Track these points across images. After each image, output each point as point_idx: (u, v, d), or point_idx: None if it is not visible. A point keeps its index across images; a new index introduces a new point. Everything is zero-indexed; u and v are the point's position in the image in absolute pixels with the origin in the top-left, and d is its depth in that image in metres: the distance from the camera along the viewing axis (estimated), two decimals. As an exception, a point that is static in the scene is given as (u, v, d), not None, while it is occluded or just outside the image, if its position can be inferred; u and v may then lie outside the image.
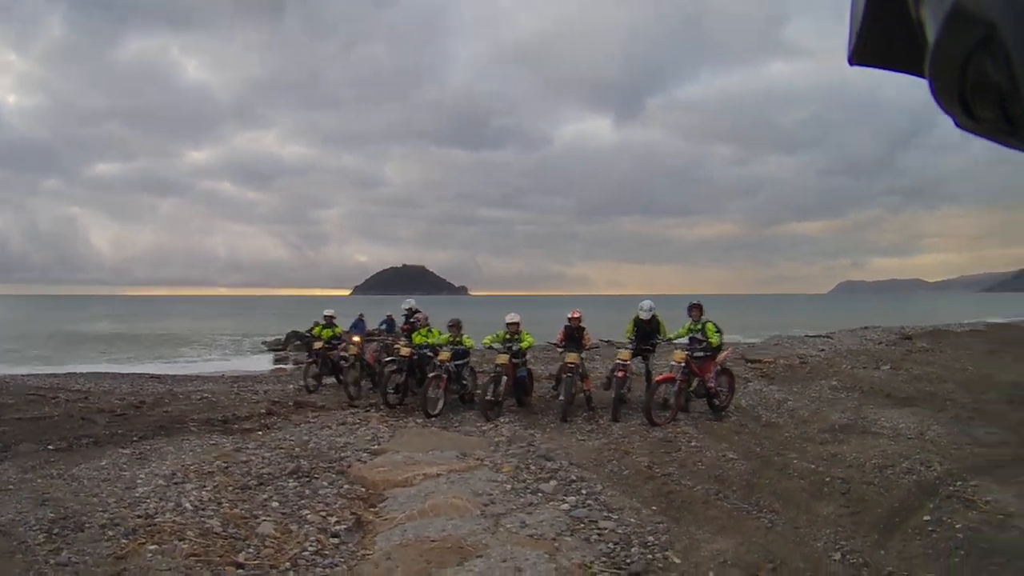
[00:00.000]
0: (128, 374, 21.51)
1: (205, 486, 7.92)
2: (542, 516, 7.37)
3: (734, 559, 6.51)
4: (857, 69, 0.86)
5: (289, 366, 26.86)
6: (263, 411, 13.03)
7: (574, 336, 13.17)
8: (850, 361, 18.97)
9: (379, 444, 10.36)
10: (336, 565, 6.26)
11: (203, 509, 7.24)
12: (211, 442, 10.26)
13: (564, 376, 12.75)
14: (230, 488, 7.99)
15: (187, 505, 7.29)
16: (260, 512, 7.36)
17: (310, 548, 6.58)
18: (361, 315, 20.06)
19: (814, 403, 13.45)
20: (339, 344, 16.43)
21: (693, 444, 10.45)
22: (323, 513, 7.49)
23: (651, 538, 6.88)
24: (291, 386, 17.24)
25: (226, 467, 8.75)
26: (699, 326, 12.47)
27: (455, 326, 13.68)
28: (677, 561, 6.45)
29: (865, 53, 0.82)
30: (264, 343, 39.60)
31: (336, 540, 6.84)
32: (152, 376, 20.87)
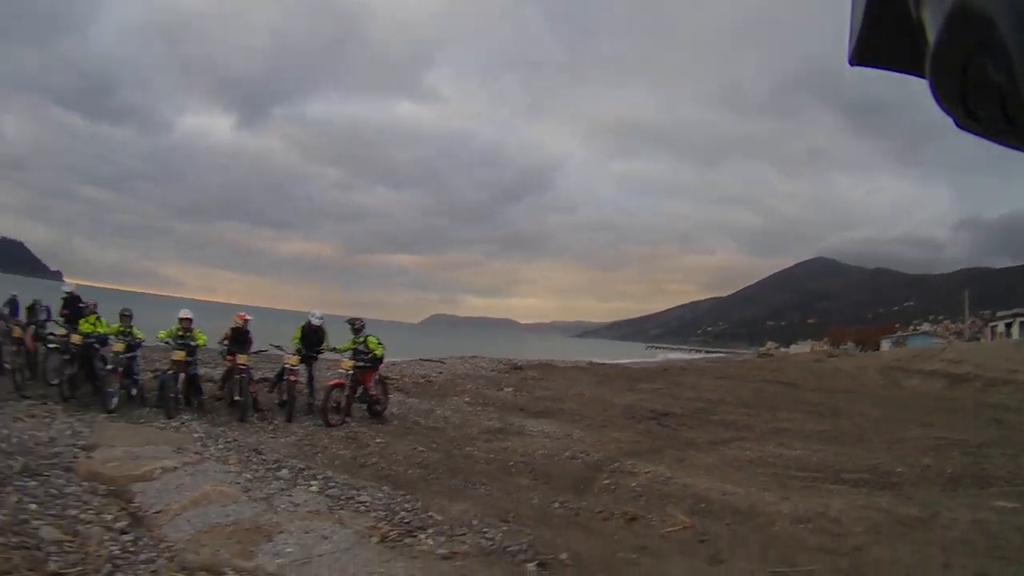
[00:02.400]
0: None
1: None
2: (303, 497, 8.25)
3: (481, 513, 8.12)
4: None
5: None
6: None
7: (239, 338, 13.91)
8: (472, 383, 21.83)
9: (83, 440, 9.97)
10: (154, 560, 6.22)
11: (-51, 520, 6.34)
12: None
13: (238, 377, 13.26)
14: (-39, 492, 7.13)
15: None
16: (24, 516, 6.77)
17: (113, 547, 6.40)
18: (15, 296, 18.40)
19: (459, 413, 15.72)
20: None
21: (379, 440, 12.05)
22: (92, 511, 7.23)
23: (407, 505, 8.17)
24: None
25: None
26: (361, 339, 14.06)
27: (128, 316, 13.51)
28: (440, 518, 7.80)
29: (865, 53, 0.83)
30: None
31: (128, 536, 6.67)
32: None
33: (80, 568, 5.92)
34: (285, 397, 13.47)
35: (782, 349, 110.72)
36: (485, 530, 7.40)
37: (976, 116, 0.69)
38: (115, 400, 12.48)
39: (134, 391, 13.24)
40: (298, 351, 14.11)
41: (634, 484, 9.98)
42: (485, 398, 18.72)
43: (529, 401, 18.87)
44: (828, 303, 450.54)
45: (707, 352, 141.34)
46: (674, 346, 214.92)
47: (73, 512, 7.15)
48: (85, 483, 8.07)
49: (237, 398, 13.19)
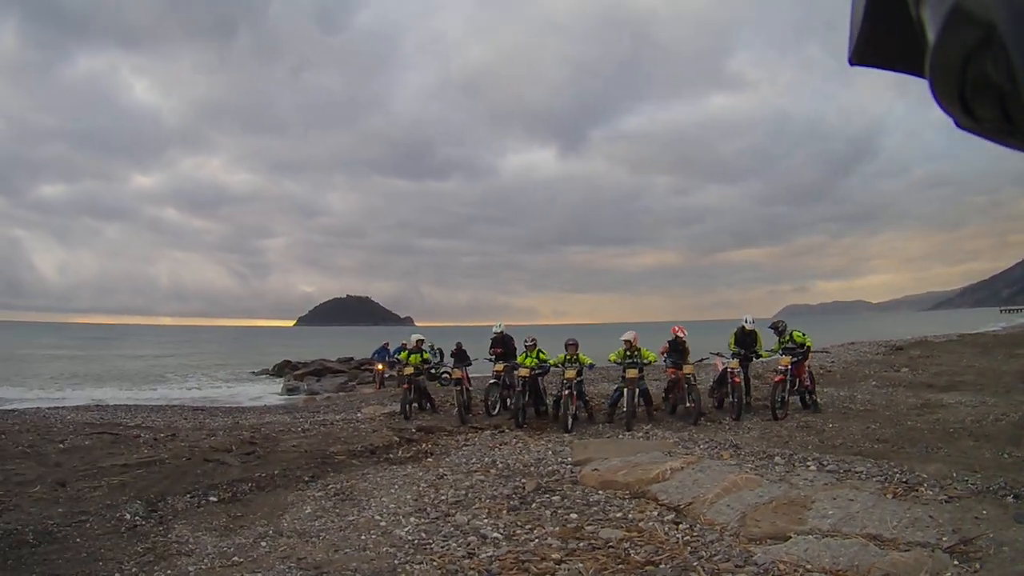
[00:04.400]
0: (155, 406, 20.33)
1: (477, 515, 7.94)
2: (810, 475, 9.06)
3: (954, 468, 9.02)
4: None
5: (317, 396, 25.45)
6: (396, 440, 12.59)
7: (678, 350, 14.75)
8: (868, 368, 22.54)
9: (568, 457, 10.81)
10: (721, 538, 6.97)
11: (513, 536, 7.27)
12: (402, 473, 10.07)
13: (687, 385, 14.13)
14: (504, 512, 8.05)
15: (495, 535, 7.27)
16: (572, 524, 7.59)
17: (676, 534, 7.14)
18: (386, 343, 21.02)
19: (876, 396, 16.17)
20: (426, 369, 16.91)
21: (831, 425, 12.85)
22: (634, 511, 7.97)
23: (896, 470, 9.01)
24: (359, 413, 16.81)
25: (464, 494, 8.82)
26: (786, 338, 14.61)
27: (573, 345, 14.43)
28: (924, 475, 8.66)
29: (865, 54, 0.83)
30: (252, 373, 38.49)
31: (684, 525, 7.43)
32: (194, 408, 19.79)
33: (666, 553, 6.55)
34: (732, 399, 14.14)
35: None
36: (966, 478, 8.43)
37: (976, 116, 0.68)
38: (571, 420, 13.47)
39: (581, 412, 14.30)
40: (735, 354, 14.69)
41: (1054, 435, 11.02)
42: (889, 379, 19.29)
43: (930, 377, 19.22)
44: None
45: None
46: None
47: (617, 514, 7.93)
48: (602, 491, 8.86)
49: (690, 404, 14.02)
